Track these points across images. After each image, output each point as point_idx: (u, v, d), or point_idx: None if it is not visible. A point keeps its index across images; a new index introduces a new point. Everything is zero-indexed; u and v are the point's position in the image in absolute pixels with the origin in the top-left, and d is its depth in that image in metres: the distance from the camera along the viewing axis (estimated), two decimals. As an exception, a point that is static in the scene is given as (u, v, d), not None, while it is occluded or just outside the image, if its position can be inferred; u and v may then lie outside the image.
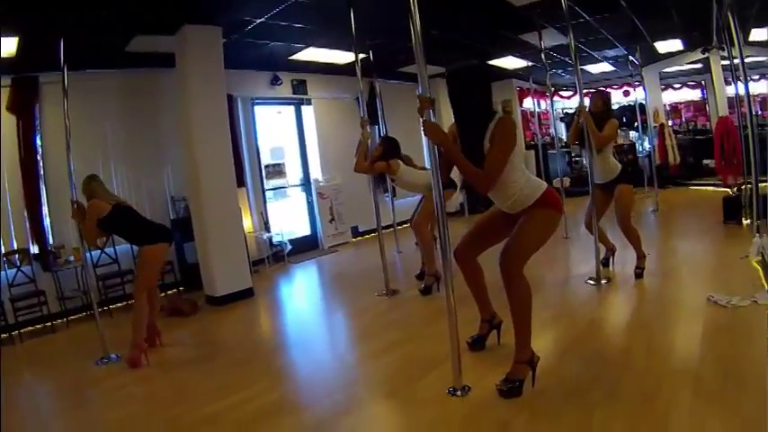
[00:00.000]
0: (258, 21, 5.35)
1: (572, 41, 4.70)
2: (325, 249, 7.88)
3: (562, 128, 11.67)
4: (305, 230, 8.06)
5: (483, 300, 3.20)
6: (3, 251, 5.29)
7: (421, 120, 2.61)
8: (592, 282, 4.39)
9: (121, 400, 3.25)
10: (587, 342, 3.22)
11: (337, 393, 2.95)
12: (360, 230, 8.64)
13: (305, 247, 7.80)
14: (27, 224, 5.50)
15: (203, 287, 5.61)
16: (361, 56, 7.04)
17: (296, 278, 6.61)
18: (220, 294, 5.37)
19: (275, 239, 7.11)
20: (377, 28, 6.03)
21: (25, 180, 5.47)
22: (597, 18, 6.70)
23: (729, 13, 5.08)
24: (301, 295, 5.95)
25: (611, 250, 4.78)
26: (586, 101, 4.58)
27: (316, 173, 8.13)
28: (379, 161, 4.88)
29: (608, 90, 8.31)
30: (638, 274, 4.37)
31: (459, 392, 2.66)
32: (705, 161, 10.13)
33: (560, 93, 12.09)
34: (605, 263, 4.74)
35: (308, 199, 8.07)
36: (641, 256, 4.43)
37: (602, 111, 4.50)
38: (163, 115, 6.30)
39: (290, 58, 6.97)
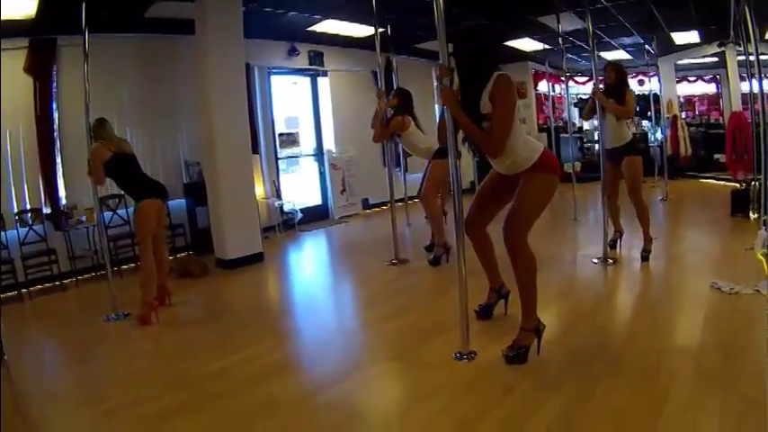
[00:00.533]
0: None
1: (590, 26, 4.68)
2: (335, 220, 7.96)
3: (575, 113, 11.59)
4: (316, 200, 8.14)
5: (492, 271, 3.26)
6: (15, 209, 5.36)
7: (440, 85, 2.68)
8: (597, 261, 4.44)
9: (130, 356, 3.32)
10: (592, 318, 3.29)
11: (342, 355, 3.04)
12: (370, 203, 8.70)
13: (315, 217, 7.88)
14: (41, 184, 5.55)
15: (214, 251, 5.69)
16: (381, 30, 7.10)
17: (305, 246, 6.70)
18: (231, 258, 5.45)
19: (286, 207, 7.17)
20: (396, 2, 5.96)
21: (40, 140, 5.51)
22: (615, 4, 6.64)
23: (747, 9, 5.03)
24: (310, 262, 6.05)
25: (619, 232, 4.80)
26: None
27: (329, 144, 8.18)
28: (395, 115, 4.91)
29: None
30: (644, 257, 4.39)
31: (465, 357, 2.73)
32: (716, 155, 10.09)
33: (575, 78, 12.00)
34: (612, 245, 4.73)
35: (320, 169, 8.13)
36: (648, 239, 4.45)
37: (615, 82, 4.46)
38: (179, 81, 6.32)
39: (308, 29, 6.95)
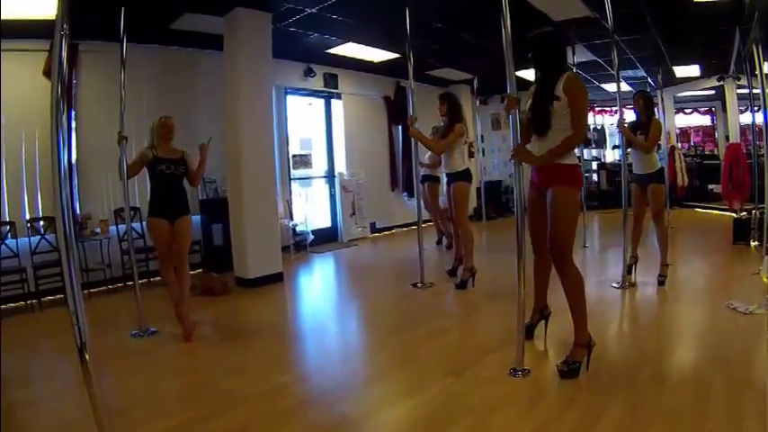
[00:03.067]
0: (309, 11, 5.60)
1: (615, 58, 5.04)
2: (344, 242, 8.20)
3: None
4: (325, 222, 8.39)
5: (541, 291, 3.53)
6: (27, 216, 5.41)
7: (510, 116, 3.06)
8: (617, 285, 4.75)
9: (171, 373, 3.41)
10: (626, 336, 3.64)
11: (397, 373, 3.22)
12: (377, 227, 9.00)
13: (324, 239, 8.11)
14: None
15: (232, 269, 5.84)
16: (396, 55, 7.47)
17: (321, 267, 6.91)
18: (252, 277, 5.61)
19: (298, 228, 7.39)
20: (415, 29, 6.36)
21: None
22: (625, 39, 7.13)
23: (755, 46, 5.55)
24: (332, 283, 6.25)
25: (634, 257, 5.07)
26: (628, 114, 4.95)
27: (340, 166, 8.47)
28: (453, 123, 5.08)
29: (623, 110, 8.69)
30: (661, 281, 4.73)
31: (520, 373, 2.98)
32: (710, 186, 10.67)
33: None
34: (628, 270, 4.99)
35: (331, 191, 8.41)
36: (665, 264, 4.79)
37: (644, 111, 4.81)
38: (199, 96, 6.55)
39: (327, 51, 7.26)
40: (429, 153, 6.54)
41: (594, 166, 11.95)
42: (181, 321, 4.03)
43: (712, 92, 10.73)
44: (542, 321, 3.61)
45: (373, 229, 8.92)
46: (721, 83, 9.53)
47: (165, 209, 4.07)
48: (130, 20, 4.62)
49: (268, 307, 5.07)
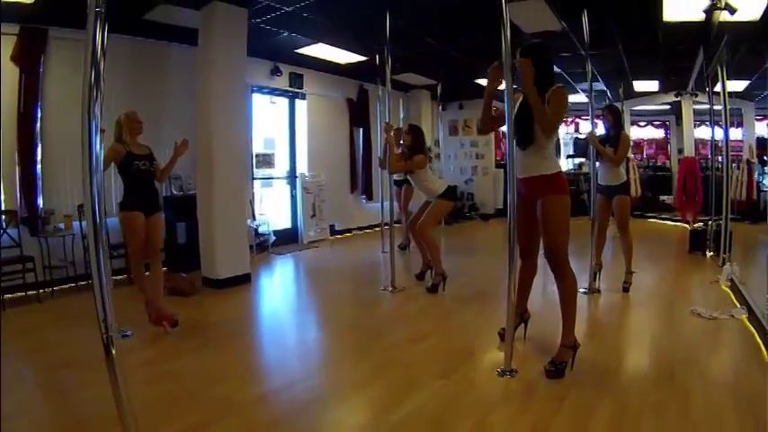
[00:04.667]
0: (286, 9, 5.63)
1: (589, 72, 5.22)
2: (304, 244, 8.26)
3: None
4: (286, 223, 8.42)
5: (524, 295, 3.71)
6: None
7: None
8: (584, 291, 4.95)
9: (154, 378, 3.30)
10: (598, 339, 3.83)
11: (388, 375, 3.29)
12: (336, 229, 9.11)
13: (285, 240, 8.14)
14: (17, 184, 5.46)
15: (197, 268, 5.79)
16: (363, 58, 7.60)
17: (285, 269, 6.95)
18: (220, 277, 5.60)
19: (261, 229, 7.39)
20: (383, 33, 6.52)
21: (21, 136, 5.42)
22: (591, 54, 7.50)
23: (719, 67, 5.99)
24: (300, 285, 6.30)
25: (598, 265, 5.34)
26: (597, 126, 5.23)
27: (302, 167, 8.54)
28: (414, 154, 5.27)
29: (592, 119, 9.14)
30: (626, 288, 5.05)
31: (508, 374, 3.14)
32: (662, 197, 11.32)
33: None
34: (593, 277, 5.22)
35: (292, 192, 8.45)
36: (629, 272, 5.12)
37: (612, 125, 5.13)
38: (168, 91, 6.49)
39: (296, 51, 7.32)
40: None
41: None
42: (159, 313, 4.14)
43: (667, 106, 11.41)
44: (522, 324, 3.78)
45: (332, 231, 9.01)
46: (678, 98, 10.15)
47: (141, 204, 4.15)
48: (103, 6, 4.40)
49: (240, 309, 5.06)
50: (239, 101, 5.83)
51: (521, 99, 3.31)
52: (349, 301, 5.36)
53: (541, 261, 3.47)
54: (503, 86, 3.18)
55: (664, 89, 10.19)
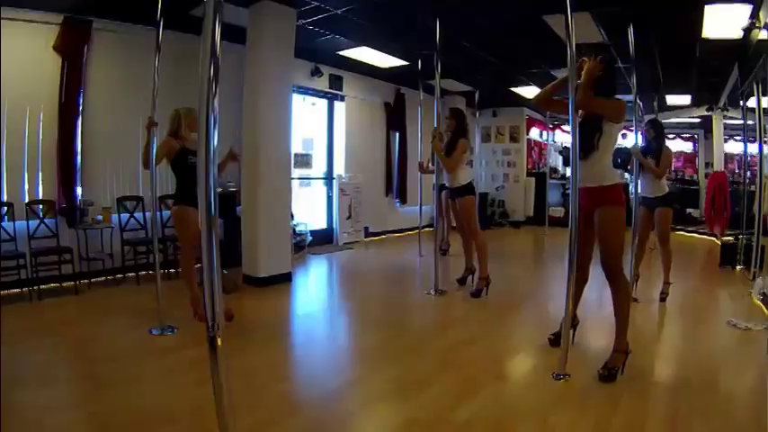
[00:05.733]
0: (334, 11, 5.78)
1: (634, 86, 5.36)
2: (339, 245, 8.48)
3: (559, 160, 12.89)
4: (322, 224, 8.64)
5: (574, 301, 3.83)
6: (26, 199, 5.36)
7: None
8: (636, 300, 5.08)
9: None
10: (642, 345, 3.93)
11: (450, 377, 3.41)
12: (370, 231, 9.33)
13: (320, 241, 8.34)
14: (57, 174, 5.53)
15: (236, 265, 5.83)
16: (404, 62, 7.79)
17: (325, 269, 7.15)
18: (262, 276, 5.75)
19: (298, 229, 7.57)
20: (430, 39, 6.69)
21: (62, 126, 5.50)
22: (628, 66, 7.69)
23: (755, 84, 6.18)
24: (343, 286, 6.50)
25: (636, 275, 5.42)
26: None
27: (339, 169, 8.76)
28: (458, 138, 5.41)
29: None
30: (663, 298, 5.24)
31: (562, 377, 3.32)
32: (689, 210, 11.47)
33: (562, 127, 13.26)
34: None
35: (328, 193, 8.68)
36: (667, 282, 5.30)
37: (654, 139, 5.27)
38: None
39: (338, 53, 7.52)
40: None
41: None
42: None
43: (697, 120, 11.56)
44: (571, 330, 3.95)
45: (366, 233, 9.22)
46: (710, 113, 10.31)
47: (195, 199, 4.16)
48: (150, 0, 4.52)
49: (285, 308, 5.24)
50: (285, 101, 5.98)
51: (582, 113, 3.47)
52: (395, 304, 5.47)
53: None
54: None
55: (696, 103, 10.38)
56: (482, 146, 12.46)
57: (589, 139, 3.37)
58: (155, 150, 4.17)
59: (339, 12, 5.83)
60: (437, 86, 5.55)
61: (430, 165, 7.01)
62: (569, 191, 10.34)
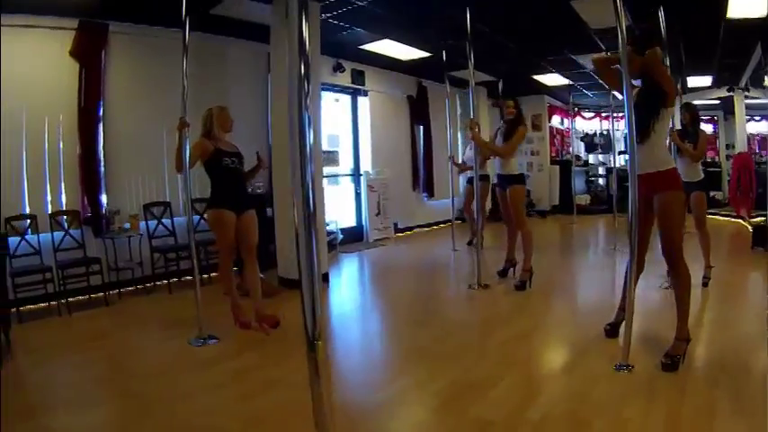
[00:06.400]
0: (359, 4, 5.75)
1: (667, 66, 5.32)
2: (370, 242, 8.50)
3: (581, 147, 12.89)
4: (350, 221, 8.67)
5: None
6: (50, 210, 5.29)
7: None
8: (667, 286, 5.02)
9: (260, 387, 3.22)
10: (692, 332, 3.86)
11: (516, 373, 3.41)
12: (399, 227, 9.36)
13: (350, 238, 8.37)
14: (80, 183, 5.46)
15: (268, 267, 5.78)
16: (427, 54, 7.79)
17: (359, 267, 7.17)
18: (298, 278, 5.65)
19: (328, 227, 7.56)
20: (454, 29, 6.52)
21: (83, 133, 5.42)
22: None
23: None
24: (383, 284, 6.43)
25: None
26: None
27: (365, 165, 8.80)
28: (518, 126, 5.44)
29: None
30: (705, 282, 5.21)
31: (625, 368, 3.32)
32: (711, 192, 11.46)
33: (582, 113, 13.26)
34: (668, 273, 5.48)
35: (356, 190, 8.70)
36: (708, 266, 5.29)
37: (690, 123, 5.25)
38: (237, 87, 6.59)
39: (360, 47, 7.52)
40: (468, 153, 6.99)
41: (602, 171, 12.65)
42: (259, 314, 4.20)
43: (717, 101, 11.53)
44: (624, 320, 3.98)
45: (396, 229, 9.25)
46: (731, 93, 10.29)
47: (232, 202, 4.13)
48: (168, 1, 4.46)
49: (326, 310, 5.13)
50: (314, 99, 5.90)
51: (636, 90, 3.44)
52: (439, 300, 5.46)
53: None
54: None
55: (717, 84, 10.36)
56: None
57: (645, 123, 3.34)
58: (188, 153, 4.05)
59: (364, 4, 5.78)
60: (471, 77, 5.62)
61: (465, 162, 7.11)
62: (593, 178, 10.60)
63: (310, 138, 1.83)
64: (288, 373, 3.40)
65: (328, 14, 6.10)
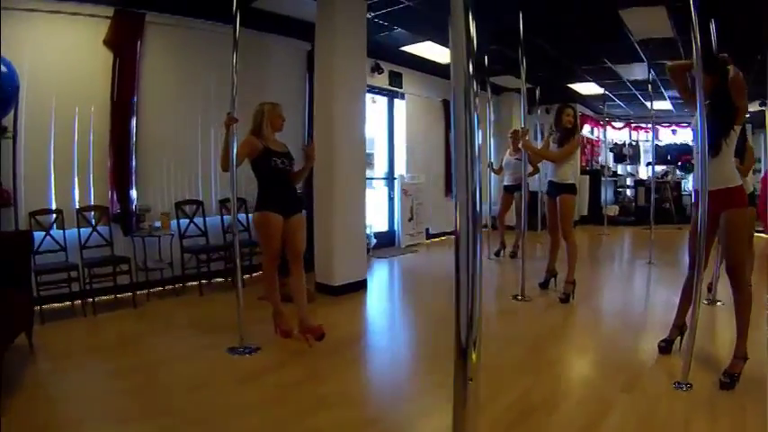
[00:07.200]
0: (406, 3, 5.69)
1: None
2: (402, 248, 8.44)
3: (611, 158, 12.88)
4: (383, 226, 8.59)
5: (685, 308, 3.82)
6: (77, 205, 5.16)
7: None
8: (707, 302, 5.08)
9: (317, 403, 3.06)
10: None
11: (577, 391, 3.38)
12: (430, 233, 9.32)
13: (382, 244, 8.29)
14: (110, 178, 5.31)
15: (309, 272, 5.45)
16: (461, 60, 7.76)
17: (395, 274, 7.08)
18: (338, 284, 5.57)
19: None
20: (496, 33, 6.63)
21: (115, 126, 5.28)
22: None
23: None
24: (420, 292, 6.25)
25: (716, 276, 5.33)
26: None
27: (399, 168, 8.74)
28: (574, 134, 5.44)
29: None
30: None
31: (684, 386, 3.27)
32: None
33: (612, 123, 13.23)
34: (709, 288, 5.30)
35: (389, 194, 8.63)
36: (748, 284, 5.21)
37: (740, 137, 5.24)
38: (272, 83, 6.47)
39: (401, 48, 7.49)
40: (507, 160, 7.07)
41: (630, 181, 12.64)
42: (304, 324, 4.02)
43: (746, 115, 11.46)
44: (679, 337, 3.90)
45: (428, 234, 9.21)
46: (762, 108, 10.25)
47: (281, 204, 3.99)
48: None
49: (370, 319, 5.13)
50: (359, 100, 5.83)
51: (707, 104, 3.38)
52: (484, 311, 5.18)
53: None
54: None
55: (749, 98, 10.26)
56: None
57: (716, 138, 3.32)
58: (235, 150, 3.85)
59: (412, 3, 5.74)
60: (523, 84, 5.56)
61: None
62: (621, 188, 10.61)
63: (478, 138, 1.76)
64: (338, 389, 3.28)
65: (373, 14, 6.04)
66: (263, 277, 4.22)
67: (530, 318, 5.05)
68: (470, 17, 1.68)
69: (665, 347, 3.90)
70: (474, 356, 1.41)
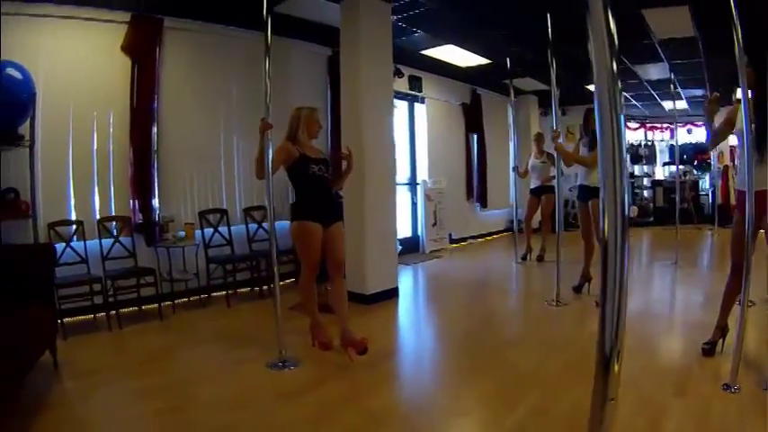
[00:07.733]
0: (427, 8, 5.66)
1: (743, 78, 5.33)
2: (427, 253, 8.39)
3: (627, 159, 12.82)
4: (406, 231, 8.53)
5: (727, 309, 3.81)
6: (98, 216, 5.10)
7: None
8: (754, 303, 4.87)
9: (368, 419, 2.96)
10: None
11: (629, 396, 3.26)
12: (453, 237, 9.28)
13: (406, 250, 8.19)
14: (131, 187, 5.25)
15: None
16: (486, 61, 7.73)
17: (424, 280, 7.03)
18: (369, 293, 5.51)
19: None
20: (517, 35, 6.64)
21: (135, 134, 5.21)
22: (709, 61, 7.68)
23: None
24: (452, 299, 6.14)
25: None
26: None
27: (422, 174, 8.71)
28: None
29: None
30: None
31: (732, 389, 3.23)
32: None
33: (628, 124, 13.17)
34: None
35: (412, 199, 8.58)
36: None
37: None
38: (293, 88, 6.43)
39: (422, 52, 7.44)
40: (533, 163, 7.08)
41: (647, 182, 12.60)
42: (346, 337, 3.86)
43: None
44: (721, 339, 3.85)
45: (450, 239, 9.17)
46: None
47: (321, 213, 3.90)
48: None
49: (404, 330, 5.06)
50: (387, 105, 5.80)
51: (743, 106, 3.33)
52: (520, 318, 5.37)
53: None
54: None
55: (763, 95, 10.26)
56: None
57: (762, 139, 3.27)
58: (269, 157, 3.76)
59: (436, 7, 5.69)
60: (553, 87, 5.63)
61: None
62: (638, 189, 10.54)
63: (626, 138, 1.57)
64: (389, 406, 3.20)
65: (395, 17, 5.96)
66: (301, 288, 4.10)
67: (567, 323, 4.99)
68: (609, 13, 1.58)
69: (709, 350, 3.84)
70: (616, 369, 1.27)
